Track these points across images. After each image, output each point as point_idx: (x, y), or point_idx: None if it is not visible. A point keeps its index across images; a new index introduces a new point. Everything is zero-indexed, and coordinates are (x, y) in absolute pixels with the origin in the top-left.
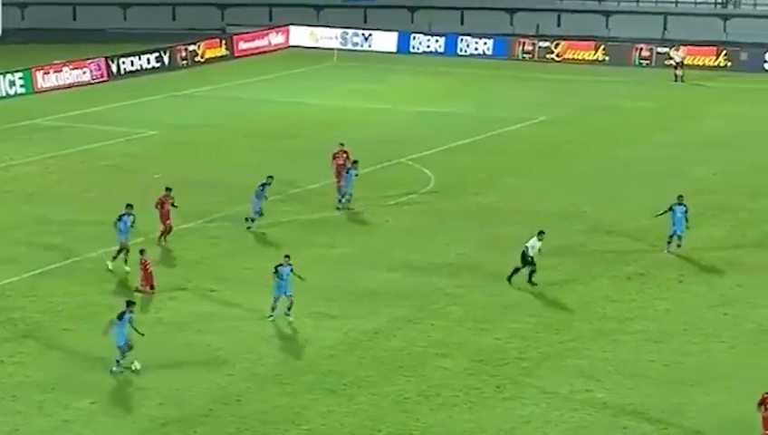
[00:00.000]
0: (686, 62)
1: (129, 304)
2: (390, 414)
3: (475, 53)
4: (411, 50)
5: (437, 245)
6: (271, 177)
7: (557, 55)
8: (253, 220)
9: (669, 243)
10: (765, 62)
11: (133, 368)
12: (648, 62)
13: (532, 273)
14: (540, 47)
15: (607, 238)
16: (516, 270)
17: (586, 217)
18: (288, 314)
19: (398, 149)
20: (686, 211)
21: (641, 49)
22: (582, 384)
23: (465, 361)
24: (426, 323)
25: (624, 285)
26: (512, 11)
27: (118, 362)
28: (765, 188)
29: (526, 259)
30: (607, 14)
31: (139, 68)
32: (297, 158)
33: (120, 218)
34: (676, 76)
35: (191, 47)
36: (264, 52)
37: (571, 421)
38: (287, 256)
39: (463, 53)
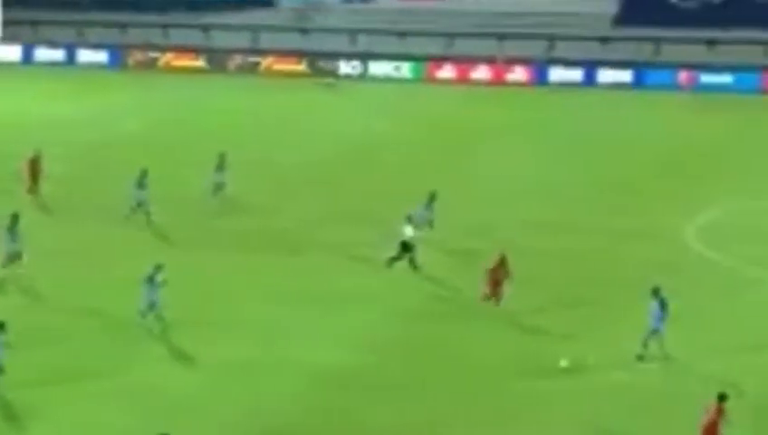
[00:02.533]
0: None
1: None
2: None
3: (94, 62)
4: (36, 60)
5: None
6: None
7: (165, 64)
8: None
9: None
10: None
11: None
12: (241, 69)
13: (398, 260)
14: (150, 57)
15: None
16: (396, 257)
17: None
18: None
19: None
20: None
21: (236, 58)
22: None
23: None
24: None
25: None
26: (124, 25)
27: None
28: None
29: (407, 247)
30: (207, 27)
31: None
32: None
33: (10, 228)
34: (329, 84)
35: None
36: None
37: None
38: (158, 266)
39: (82, 62)
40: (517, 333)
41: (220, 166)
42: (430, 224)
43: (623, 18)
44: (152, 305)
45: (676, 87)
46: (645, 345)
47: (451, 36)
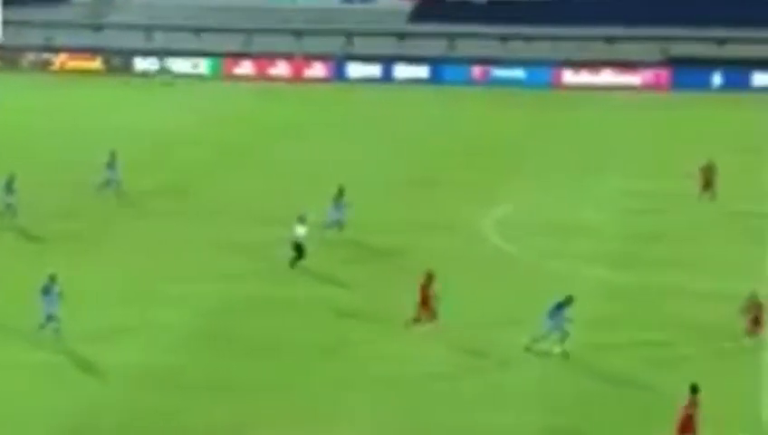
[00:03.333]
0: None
1: None
2: None
3: None
4: None
5: None
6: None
7: None
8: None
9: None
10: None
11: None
12: (34, 66)
13: (300, 259)
14: None
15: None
16: (295, 259)
17: None
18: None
19: None
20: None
21: (28, 55)
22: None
23: None
24: None
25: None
26: None
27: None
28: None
29: (300, 248)
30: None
31: None
32: None
33: None
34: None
35: None
36: None
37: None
38: (53, 276)
39: None
40: (337, 329)
41: (111, 163)
42: (339, 224)
43: (419, 14)
44: (50, 317)
45: (471, 82)
46: (562, 341)
47: (249, 33)
